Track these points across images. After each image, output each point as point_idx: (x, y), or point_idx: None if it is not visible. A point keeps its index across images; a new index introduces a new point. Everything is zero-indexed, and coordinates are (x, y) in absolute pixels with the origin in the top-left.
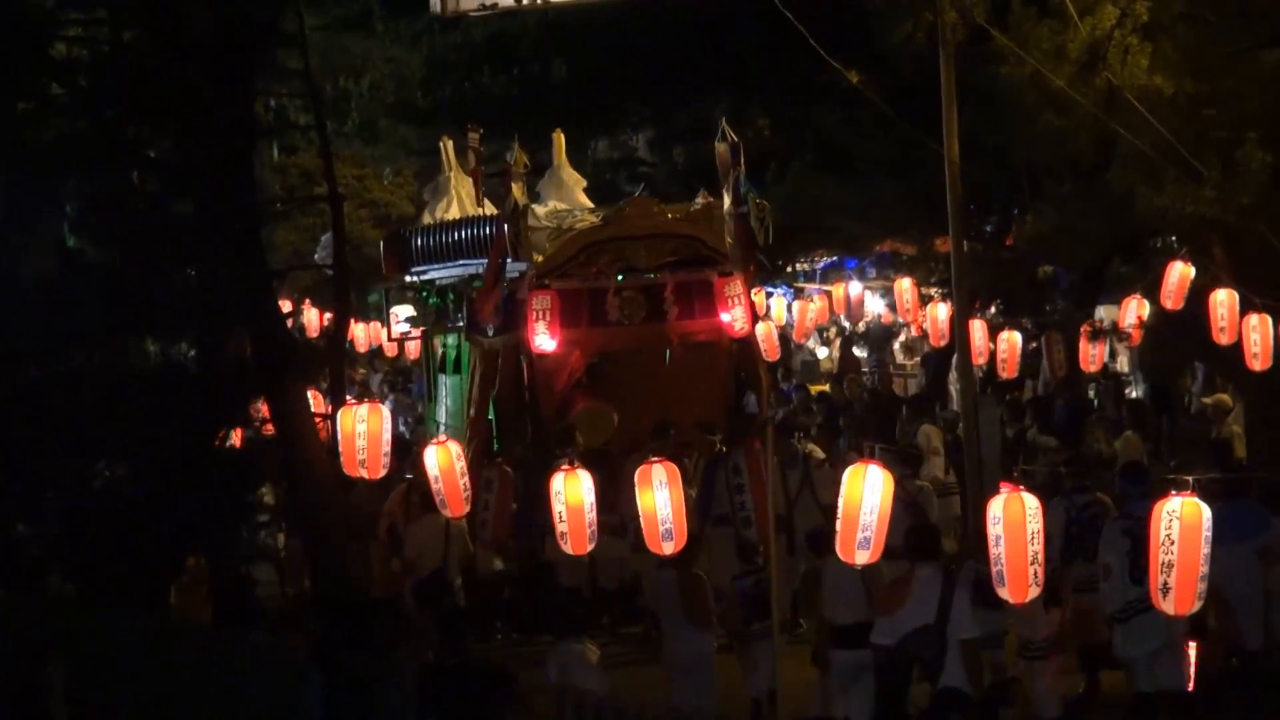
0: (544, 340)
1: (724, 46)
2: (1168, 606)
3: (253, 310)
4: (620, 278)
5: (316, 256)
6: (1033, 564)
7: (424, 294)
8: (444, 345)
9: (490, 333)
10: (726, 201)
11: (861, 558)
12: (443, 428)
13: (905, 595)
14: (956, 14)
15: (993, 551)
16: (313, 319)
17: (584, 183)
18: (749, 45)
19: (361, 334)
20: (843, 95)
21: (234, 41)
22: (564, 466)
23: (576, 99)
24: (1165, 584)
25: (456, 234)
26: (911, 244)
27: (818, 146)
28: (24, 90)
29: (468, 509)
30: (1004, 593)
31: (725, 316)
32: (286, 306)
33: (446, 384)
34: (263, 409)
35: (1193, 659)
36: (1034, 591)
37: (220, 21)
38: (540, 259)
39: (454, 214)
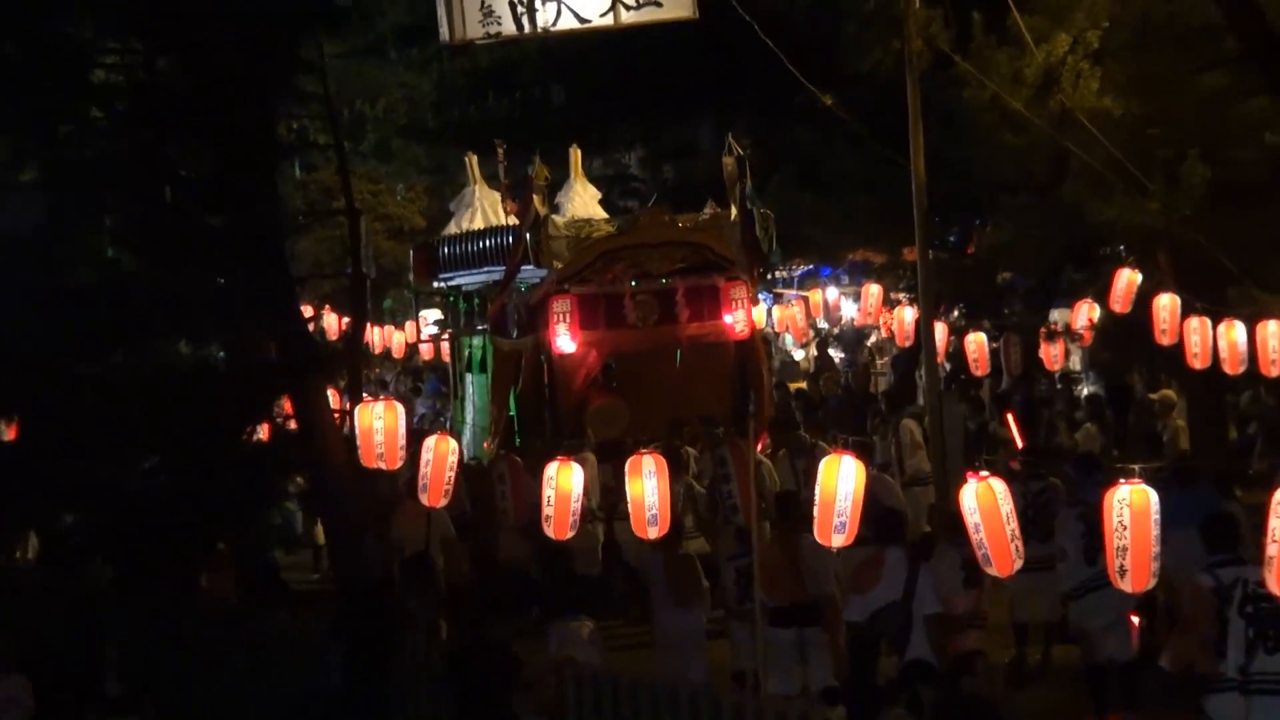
0: (564, 341)
1: (709, 71)
2: (1125, 585)
3: (277, 315)
4: (635, 283)
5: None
6: (1012, 540)
7: (451, 299)
8: (469, 347)
9: (513, 335)
10: (733, 211)
11: (838, 540)
12: (470, 423)
13: (878, 575)
14: (922, 42)
15: (974, 536)
16: (332, 323)
17: (599, 195)
18: (733, 70)
19: (377, 337)
20: (818, 116)
21: (258, 68)
22: (560, 457)
23: (573, 120)
24: (1122, 566)
25: (481, 243)
26: (881, 253)
27: (796, 163)
28: (66, 113)
29: (446, 502)
30: (991, 570)
31: (729, 319)
32: (308, 311)
33: (473, 382)
34: (286, 406)
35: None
36: (1017, 564)
37: (246, 50)
38: (560, 265)
39: (478, 224)
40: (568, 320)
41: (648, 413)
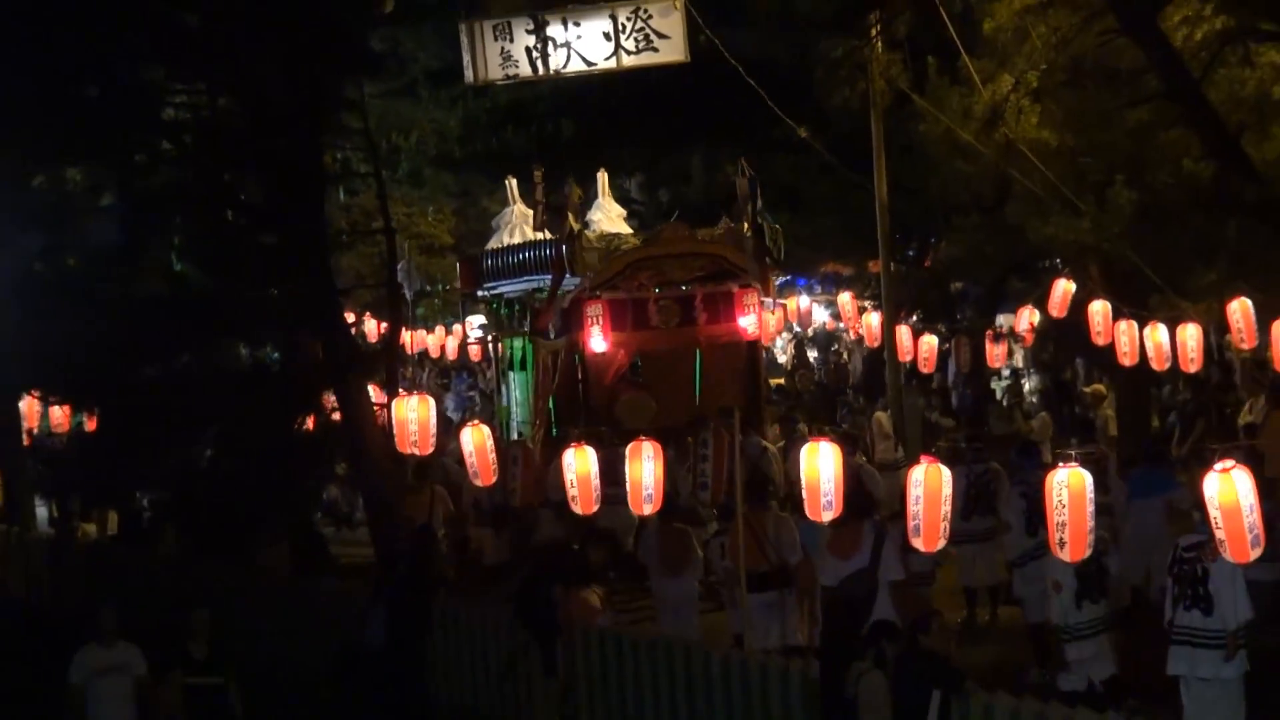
0: (597, 341)
1: (700, 107)
2: (1065, 555)
3: (323, 321)
4: (658, 289)
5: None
6: (944, 520)
7: (494, 305)
8: (510, 348)
9: (551, 335)
10: (745, 225)
11: (827, 516)
12: (514, 416)
13: (856, 545)
14: (884, 82)
15: (911, 509)
16: (371, 328)
17: (624, 212)
18: (721, 106)
19: (411, 340)
20: (795, 146)
21: (308, 107)
22: (573, 443)
23: (580, 149)
24: (1061, 539)
25: (520, 255)
26: (849, 265)
27: (774, 187)
28: (140, 146)
29: (495, 479)
30: (918, 543)
31: (742, 321)
32: (350, 318)
33: (515, 379)
34: (331, 400)
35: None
36: (942, 543)
37: (297, 91)
38: (592, 274)
39: (517, 239)
40: (600, 323)
41: (670, 404)
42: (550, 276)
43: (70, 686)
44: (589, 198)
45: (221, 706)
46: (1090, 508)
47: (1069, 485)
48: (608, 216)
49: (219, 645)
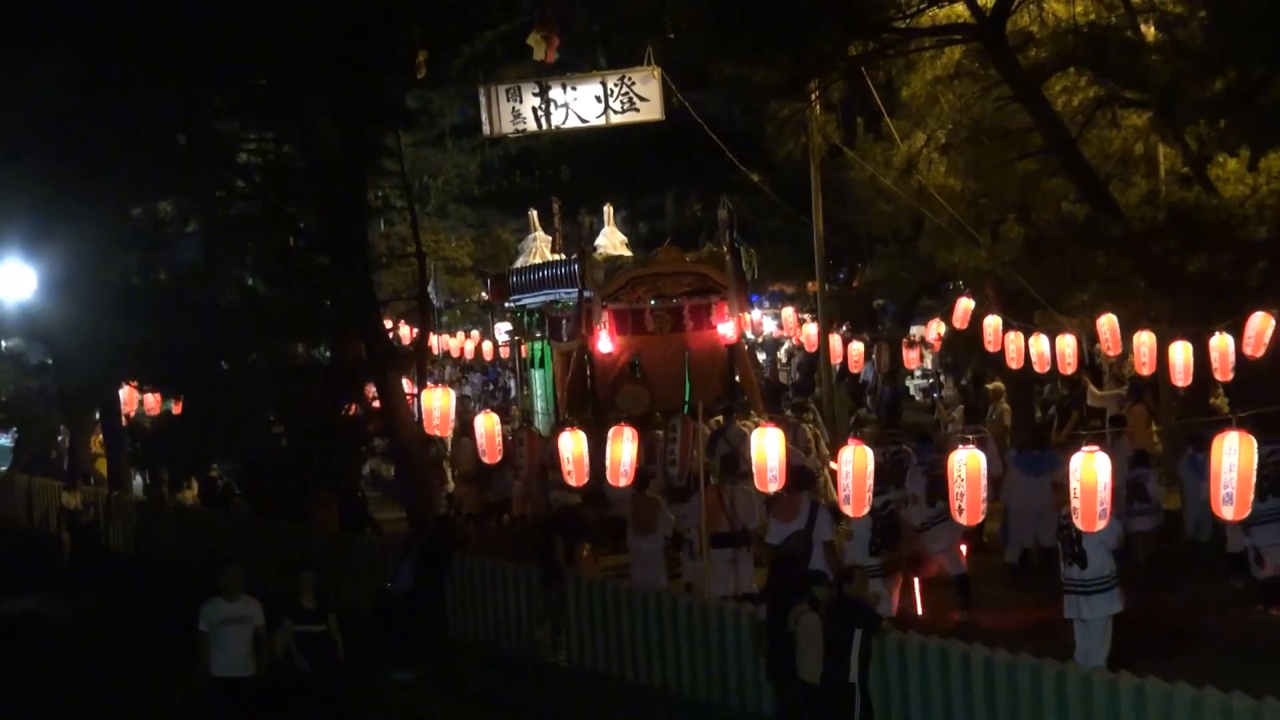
0: (604, 344)
1: (673, 155)
2: (963, 520)
3: (366, 326)
4: (654, 302)
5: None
6: (868, 491)
7: (519, 315)
8: (532, 349)
9: (564, 339)
10: (725, 249)
11: (773, 488)
12: (536, 407)
13: (795, 511)
14: (821, 137)
15: (842, 483)
16: (405, 333)
17: (626, 239)
18: (689, 155)
19: (437, 343)
20: (748, 189)
21: (355, 153)
22: (568, 428)
23: (577, 189)
24: (960, 507)
25: (540, 273)
26: (792, 285)
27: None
28: (219, 184)
29: (500, 458)
30: (847, 509)
31: (722, 329)
32: (388, 324)
33: (536, 376)
34: (372, 391)
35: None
36: (865, 510)
37: (346, 140)
38: (599, 288)
39: (537, 260)
40: (606, 328)
41: (663, 396)
42: (564, 290)
43: (199, 634)
44: (596, 227)
45: (327, 648)
46: (984, 481)
47: (967, 464)
48: (612, 242)
49: (324, 598)
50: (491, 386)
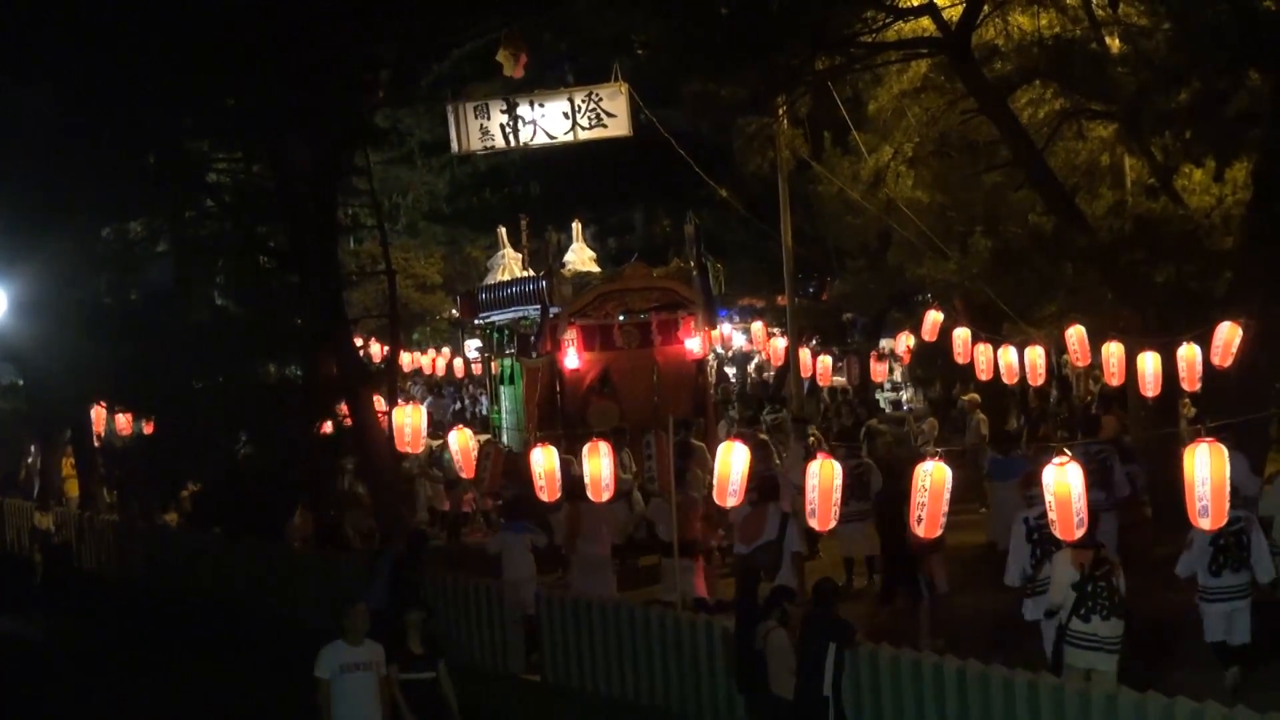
0: (571, 360)
1: (641, 171)
2: (920, 531)
3: (337, 344)
4: (622, 317)
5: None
6: (835, 504)
7: (488, 331)
8: (502, 366)
9: (534, 355)
10: (692, 264)
11: (731, 502)
12: (505, 422)
13: (762, 523)
14: (789, 152)
15: (809, 495)
16: (375, 350)
17: (594, 254)
18: (657, 170)
19: (408, 360)
20: (717, 203)
21: (324, 172)
22: (539, 444)
23: (546, 205)
24: (920, 517)
25: (509, 290)
26: (761, 299)
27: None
28: (189, 204)
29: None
30: (813, 522)
31: (689, 343)
32: (359, 342)
33: (506, 392)
34: (343, 409)
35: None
36: (833, 524)
37: (315, 159)
38: (567, 304)
39: (506, 277)
40: (574, 344)
41: (633, 410)
42: (532, 307)
43: (319, 682)
44: (565, 243)
45: (436, 697)
46: (946, 494)
47: (932, 474)
48: (580, 258)
49: (432, 641)
50: (459, 405)
